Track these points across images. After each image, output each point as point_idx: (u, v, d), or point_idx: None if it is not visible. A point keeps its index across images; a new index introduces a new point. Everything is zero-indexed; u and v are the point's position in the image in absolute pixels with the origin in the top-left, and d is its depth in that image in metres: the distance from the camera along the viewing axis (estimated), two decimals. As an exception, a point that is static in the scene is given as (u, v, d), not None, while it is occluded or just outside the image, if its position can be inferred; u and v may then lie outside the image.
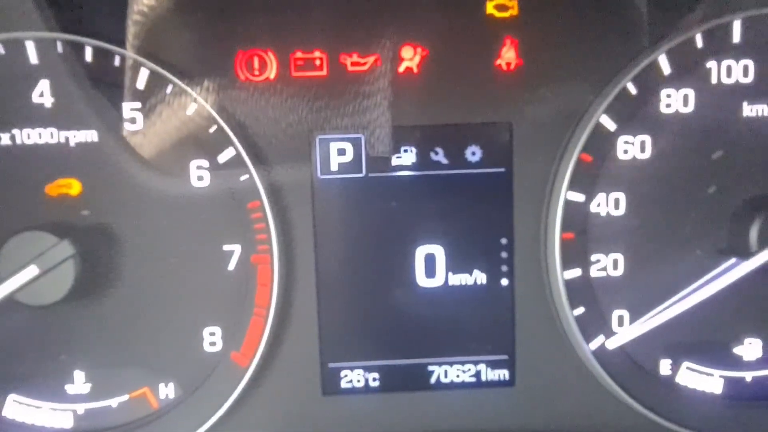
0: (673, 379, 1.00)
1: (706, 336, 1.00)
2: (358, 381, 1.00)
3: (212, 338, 0.97)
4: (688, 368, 1.00)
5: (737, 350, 0.99)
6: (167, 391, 0.97)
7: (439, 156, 0.97)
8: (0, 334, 0.94)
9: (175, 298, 0.97)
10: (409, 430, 1.01)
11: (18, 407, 0.96)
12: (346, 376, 1.00)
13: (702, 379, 1.00)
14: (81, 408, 0.97)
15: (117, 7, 0.92)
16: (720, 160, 0.97)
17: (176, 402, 0.98)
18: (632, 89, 0.94)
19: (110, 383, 0.97)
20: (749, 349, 0.99)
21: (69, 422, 0.97)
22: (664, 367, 1.00)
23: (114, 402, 0.97)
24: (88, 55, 0.91)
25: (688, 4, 0.94)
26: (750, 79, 0.94)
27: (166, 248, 0.96)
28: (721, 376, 1.00)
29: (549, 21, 0.95)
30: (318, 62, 0.94)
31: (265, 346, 0.96)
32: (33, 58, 0.91)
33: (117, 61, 0.92)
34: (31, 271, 0.87)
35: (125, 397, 0.97)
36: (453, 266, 0.99)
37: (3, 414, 0.96)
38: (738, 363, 1.00)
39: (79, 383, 0.96)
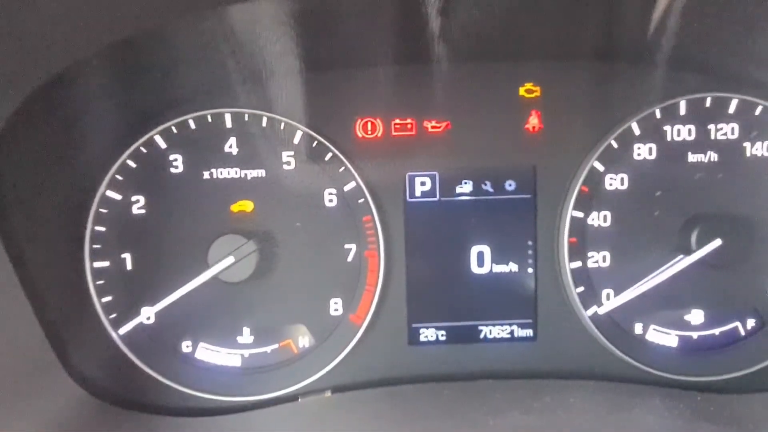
0: (644, 336, 1.11)
1: (665, 307, 1.10)
2: (432, 336, 1.12)
3: (336, 306, 1.10)
4: (654, 329, 1.11)
5: (687, 317, 1.11)
6: (304, 342, 1.11)
7: (487, 186, 1.10)
8: (202, 300, 1.06)
9: (312, 279, 1.09)
10: (466, 370, 1.10)
11: (206, 351, 1.10)
12: (423, 332, 1.12)
13: (663, 336, 1.11)
14: (246, 353, 1.10)
15: (284, 93, 1.06)
16: (672, 190, 1.08)
17: (311, 349, 1.10)
18: (614, 144, 1.08)
19: (266, 336, 1.10)
20: (695, 316, 1.12)
21: (238, 362, 1.11)
22: (638, 328, 1.11)
23: (268, 349, 1.11)
24: (264, 122, 1.06)
25: (650, 90, 1.06)
26: (692, 137, 1.08)
27: (307, 246, 1.09)
28: (676, 335, 1.11)
29: (561, 101, 1.08)
30: (409, 126, 1.08)
31: (372, 311, 1.09)
32: (228, 123, 1.06)
33: (282, 126, 1.07)
34: (230, 260, 1.04)
35: (276, 346, 1.11)
36: (496, 259, 1.11)
37: (196, 355, 1.10)
38: (687, 326, 1.11)
39: (246, 335, 1.10)
